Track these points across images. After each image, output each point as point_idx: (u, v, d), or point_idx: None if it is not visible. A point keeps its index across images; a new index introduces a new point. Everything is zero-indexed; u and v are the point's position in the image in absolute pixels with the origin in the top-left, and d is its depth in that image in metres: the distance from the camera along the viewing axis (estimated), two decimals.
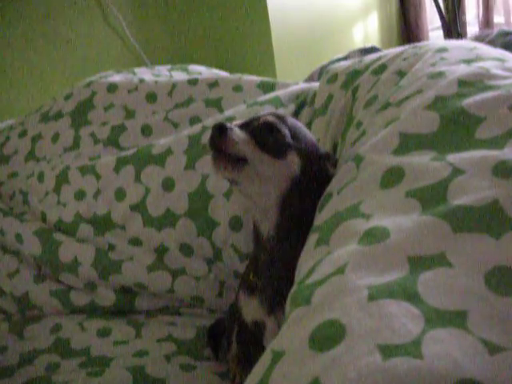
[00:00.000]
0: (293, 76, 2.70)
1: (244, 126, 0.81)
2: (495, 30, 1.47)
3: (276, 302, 0.80)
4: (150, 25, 2.74)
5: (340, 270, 0.52)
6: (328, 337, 0.46)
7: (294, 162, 0.80)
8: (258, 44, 2.69)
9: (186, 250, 1.14)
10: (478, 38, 1.48)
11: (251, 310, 0.86)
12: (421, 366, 0.41)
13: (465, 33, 3.60)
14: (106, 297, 1.19)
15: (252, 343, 0.88)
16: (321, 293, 0.51)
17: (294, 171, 0.80)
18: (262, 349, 0.82)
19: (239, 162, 0.76)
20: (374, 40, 3.60)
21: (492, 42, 1.41)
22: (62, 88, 2.12)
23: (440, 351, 0.43)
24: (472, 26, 3.75)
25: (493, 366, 0.42)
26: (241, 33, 2.73)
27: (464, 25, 3.60)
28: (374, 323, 0.46)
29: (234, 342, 0.95)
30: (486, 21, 3.67)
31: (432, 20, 4.00)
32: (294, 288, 0.58)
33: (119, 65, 2.52)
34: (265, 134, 0.79)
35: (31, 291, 1.22)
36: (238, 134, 0.77)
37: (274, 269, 0.81)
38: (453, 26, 3.46)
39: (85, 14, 2.44)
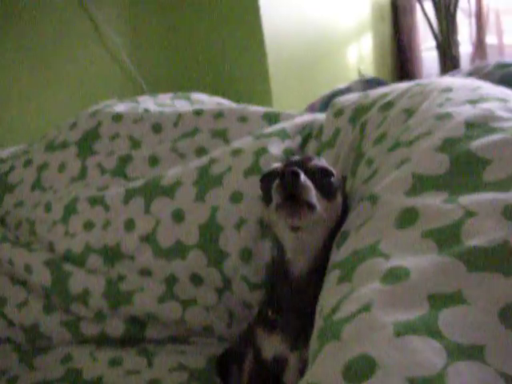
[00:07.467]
0: (289, 98, 2.77)
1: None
2: (491, 63, 1.52)
3: (300, 338, 0.82)
4: (148, 50, 2.79)
5: (366, 308, 0.56)
6: (361, 370, 0.50)
7: (339, 202, 0.84)
8: (254, 68, 2.75)
9: (197, 280, 1.16)
10: (476, 70, 1.53)
11: (272, 346, 0.87)
12: None
13: (458, 53, 3.67)
14: (116, 327, 1.20)
15: (268, 381, 0.89)
16: (350, 329, 0.55)
17: (339, 211, 0.84)
18: None
19: (310, 208, 0.76)
20: (368, 61, 3.67)
21: (489, 75, 1.46)
22: (62, 114, 2.15)
23: (462, 382, 0.47)
24: (464, 46, 3.81)
25: None
26: (237, 58, 2.79)
27: (457, 45, 3.68)
28: (402, 357, 0.50)
29: (249, 374, 0.97)
30: (479, 41, 3.74)
31: (425, 40, 4.05)
32: (321, 323, 0.62)
33: (117, 89, 2.56)
34: (321, 179, 0.81)
35: (41, 322, 1.23)
36: (307, 180, 0.77)
37: (300, 306, 0.83)
38: (446, 46, 3.54)
39: (82, 40, 2.49)
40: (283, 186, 0.75)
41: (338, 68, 3.38)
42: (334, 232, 0.83)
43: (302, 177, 0.75)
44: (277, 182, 0.75)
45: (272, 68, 2.72)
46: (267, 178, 0.85)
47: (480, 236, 0.60)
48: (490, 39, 3.82)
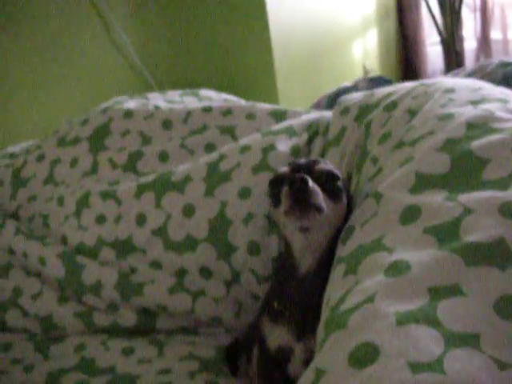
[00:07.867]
0: (294, 94, 2.80)
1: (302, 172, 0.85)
2: (495, 61, 1.55)
3: (305, 329, 0.86)
4: (156, 47, 2.83)
5: (370, 299, 0.60)
6: (365, 356, 0.54)
7: (344, 203, 0.88)
8: (260, 64, 2.79)
9: (206, 273, 1.20)
10: (479, 69, 1.56)
11: (277, 337, 0.91)
12: (444, 380, 0.49)
13: (462, 49, 3.69)
14: (128, 317, 1.24)
15: (273, 371, 0.93)
16: (355, 318, 0.59)
17: (345, 211, 0.88)
18: (283, 376, 0.90)
19: (317, 210, 0.81)
20: (373, 56, 3.70)
21: (492, 73, 1.49)
22: (73, 110, 2.19)
23: (459, 368, 0.51)
24: (469, 41, 3.84)
25: (502, 379, 0.50)
26: (243, 54, 2.83)
27: (461, 40, 3.69)
28: (402, 344, 0.54)
29: (255, 364, 1.00)
30: (484, 36, 3.76)
31: (430, 35, 4.07)
32: (328, 314, 0.66)
33: (126, 86, 2.60)
34: (327, 182, 0.85)
35: (55, 312, 1.27)
36: (315, 185, 0.81)
37: (306, 299, 0.87)
38: (451, 42, 3.56)
39: (92, 37, 2.53)
40: (292, 192, 0.79)
41: (343, 64, 3.41)
42: (339, 230, 0.87)
43: (311, 183, 0.80)
44: (286, 188, 0.80)
45: (278, 63, 2.75)
46: (275, 183, 0.89)
47: (478, 232, 0.64)
48: (495, 34, 3.84)
